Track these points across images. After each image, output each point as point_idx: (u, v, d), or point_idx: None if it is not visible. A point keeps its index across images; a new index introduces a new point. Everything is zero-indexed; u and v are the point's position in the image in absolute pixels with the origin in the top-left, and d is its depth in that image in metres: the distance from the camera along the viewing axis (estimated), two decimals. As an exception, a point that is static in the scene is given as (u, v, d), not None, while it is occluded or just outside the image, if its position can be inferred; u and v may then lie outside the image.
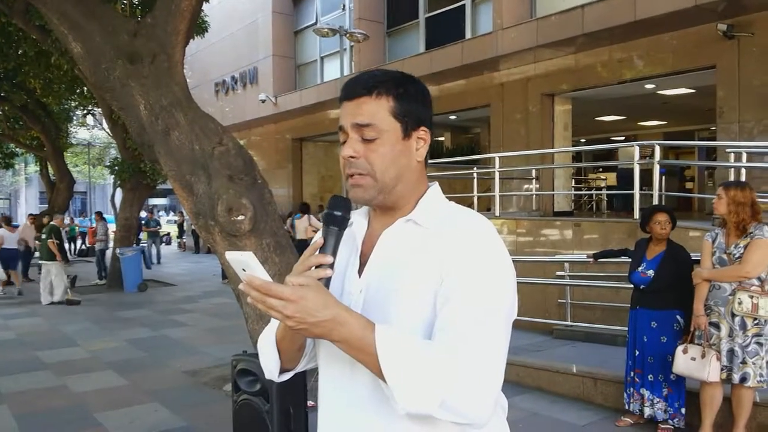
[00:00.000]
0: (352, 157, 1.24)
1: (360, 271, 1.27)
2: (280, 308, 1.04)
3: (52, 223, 12.66)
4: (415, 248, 1.22)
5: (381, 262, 1.25)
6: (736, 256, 3.97)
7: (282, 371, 1.35)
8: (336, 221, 1.20)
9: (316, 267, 1.14)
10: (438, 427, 1.14)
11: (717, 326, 4.04)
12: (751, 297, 3.92)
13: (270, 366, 1.33)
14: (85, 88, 13.28)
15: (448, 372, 1.06)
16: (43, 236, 12.06)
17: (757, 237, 3.91)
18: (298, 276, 1.09)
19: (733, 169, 7.81)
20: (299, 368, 1.37)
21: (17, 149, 22.15)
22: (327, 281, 1.15)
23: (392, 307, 1.18)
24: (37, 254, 17.91)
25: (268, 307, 1.05)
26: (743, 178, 7.61)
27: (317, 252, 1.17)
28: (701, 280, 4.11)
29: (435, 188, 1.32)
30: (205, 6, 7.92)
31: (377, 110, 1.23)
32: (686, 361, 4.06)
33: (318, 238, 1.21)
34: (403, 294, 1.19)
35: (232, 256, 1.10)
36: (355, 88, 1.26)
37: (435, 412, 1.07)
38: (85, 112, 19.80)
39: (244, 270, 1.08)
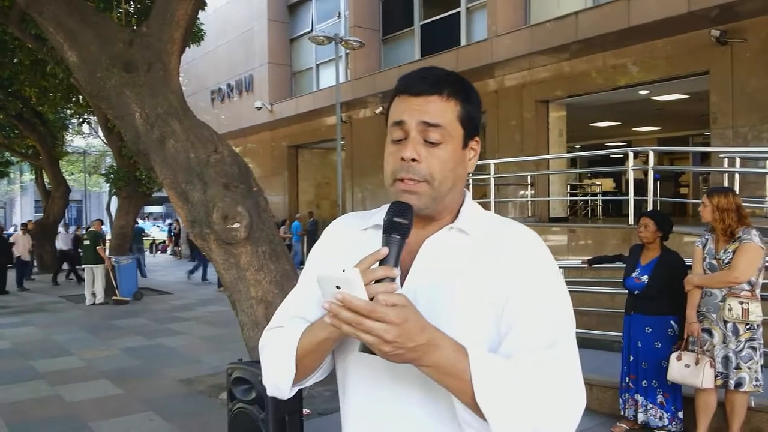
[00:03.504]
0: (414, 160, 1.13)
1: (400, 281, 1.17)
2: (381, 332, 0.94)
3: (92, 229, 13.45)
4: (465, 259, 1.15)
5: (427, 271, 1.16)
6: (725, 261, 3.97)
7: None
8: (399, 229, 1.08)
9: (377, 281, 1.00)
10: None
11: (710, 333, 4.03)
12: (741, 303, 3.91)
13: (281, 383, 1.21)
14: (81, 97, 13.29)
15: (543, 400, 1.02)
16: (87, 242, 12.91)
17: (745, 241, 3.91)
18: (390, 294, 0.97)
19: (726, 174, 7.84)
20: (308, 383, 1.26)
21: (12, 158, 22.16)
22: None
23: (444, 320, 1.07)
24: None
25: (364, 330, 0.94)
26: (737, 184, 7.65)
27: (378, 263, 1.04)
28: (692, 287, 4.12)
29: (469, 195, 1.27)
30: (200, 14, 7.94)
31: (446, 112, 1.15)
32: (680, 369, 4.06)
33: (382, 248, 1.07)
34: (457, 307, 1.12)
35: (327, 272, 0.97)
36: (423, 84, 1.16)
37: None
38: (80, 120, 19.80)
39: (338, 287, 0.96)
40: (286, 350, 1.19)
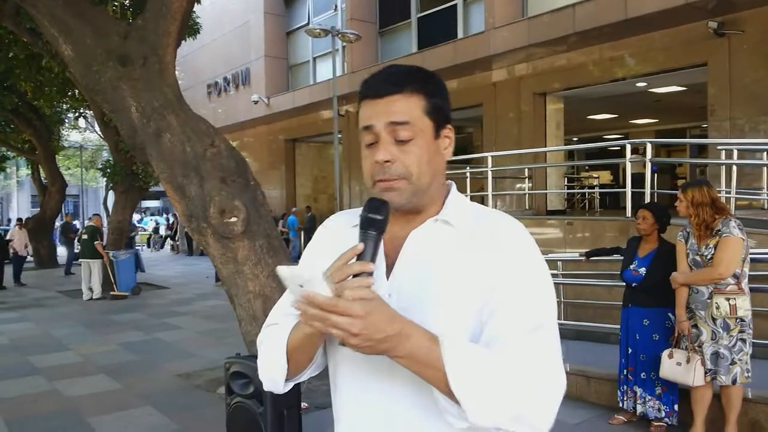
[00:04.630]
0: (387, 161, 1.15)
1: (386, 274, 1.20)
2: (346, 326, 0.96)
3: (90, 224, 13.50)
4: (450, 251, 1.17)
5: (412, 264, 1.18)
6: (708, 257, 3.92)
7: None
8: (375, 225, 1.09)
9: (354, 276, 1.02)
10: None
11: (699, 329, 4.02)
12: (728, 299, 3.86)
13: (276, 377, 1.24)
14: (77, 91, 13.24)
15: (520, 385, 1.03)
16: (84, 237, 13.00)
17: (724, 235, 3.85)
18: (356, 289, 0.99)
19: (724, 166, 7.84)
20: (303, 378, 1.29)
21: (8, 152, 22.08)
22: None
23: (429, 312, 1.10)
24: (30, 258, 17.97)
25: (331, 324, 0.97)
26: (734, 175, 7.65)
27: (355, 259, 1.05)
28: (678, 285, 4.09)
29: (454, 186, 1.28)
30: (196, 7, 7.90)
31: (411, 108, 1.16)
32: (672, 366, 4.05)
33: (358, 243, 1.08)
34: (442, 298, 1.13)
35: (288, 272, 1.00)
36: (384, 85, 1.17)
37: (506, 426, 1.04)
38: (76, 114, 19.72)
39: (301, 286, 0.99)
40: (278, 346, 1.22)
